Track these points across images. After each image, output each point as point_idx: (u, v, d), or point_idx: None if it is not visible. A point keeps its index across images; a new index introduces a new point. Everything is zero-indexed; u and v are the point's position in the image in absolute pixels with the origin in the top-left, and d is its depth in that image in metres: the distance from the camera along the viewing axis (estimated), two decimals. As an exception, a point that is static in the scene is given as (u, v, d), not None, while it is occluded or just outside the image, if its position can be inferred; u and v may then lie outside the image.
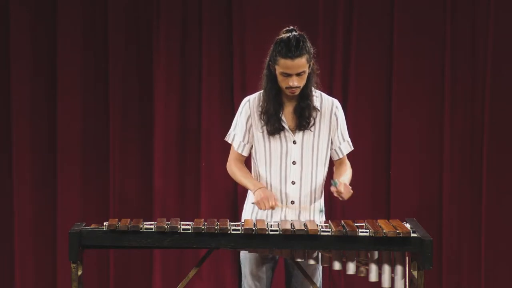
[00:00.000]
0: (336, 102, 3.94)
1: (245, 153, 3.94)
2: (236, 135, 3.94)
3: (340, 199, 3.85)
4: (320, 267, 3.98)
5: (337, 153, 3.95)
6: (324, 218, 3.96)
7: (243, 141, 3.92)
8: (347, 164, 4.01)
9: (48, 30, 5.21)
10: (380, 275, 3.61)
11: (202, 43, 5.22)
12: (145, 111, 5.26)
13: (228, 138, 3.97)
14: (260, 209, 3.81)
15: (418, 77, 5.25)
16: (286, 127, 3.85)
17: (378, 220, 3.69)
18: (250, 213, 3.96)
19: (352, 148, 3.99)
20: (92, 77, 5.25)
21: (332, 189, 3.81)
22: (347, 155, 4.00)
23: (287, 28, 3.82)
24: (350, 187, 3.84)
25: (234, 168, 3.96)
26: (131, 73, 5.25)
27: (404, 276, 3.60)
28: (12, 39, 5.19)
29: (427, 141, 5.28)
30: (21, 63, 5.21)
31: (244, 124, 3.90)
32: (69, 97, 5.23)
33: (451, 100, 5.24)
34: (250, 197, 3.97)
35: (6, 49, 5.20)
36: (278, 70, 3.76)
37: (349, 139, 3.98)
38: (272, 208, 3.78)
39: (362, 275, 3.66)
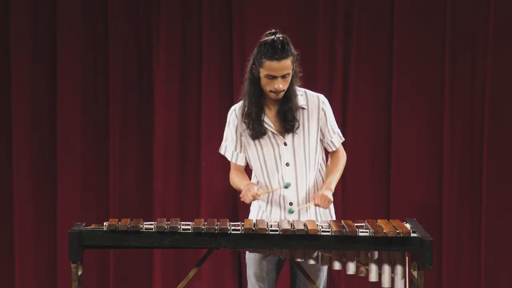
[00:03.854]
0: (322, 97, 3.92)
1: (240, 162, 3.95)
2: (227, 146, 3.96)
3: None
4: (325, 269, 3.98)
5: (329, 146, 3.94)
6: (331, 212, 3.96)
7: (235, 150, 3.94)
8: (339, 156, 3.97)
9: (48, 31, 5.20)
10: (380, 275, 3.61)
11: (202, 43, 5.22)
12: (145, 111, 5.25)
13: (221, 150, 4.00)
14: (246, 202, 3.82)
15: (419, 77, 5.25)
16: (273, 130, 3.84)
17: (378, 220, 3.69)
18: (255, 214, 3.97)
19: (343, 139, 3.97)
20: (92, 77, 5.25)
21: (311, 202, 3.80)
22: (342, 143, 3.99)
23: (270, 31, 3.79)
24: (329, 196, 3.78)
25: (233, 177, 3.98)
26: (131, 74, 5.25)
27: (404, 276, 3.60)
28: (12, 40, 5.19)
29: (427, 141, 5.28)
30: (21, 64, 5.20)
31: (234, 133, 3.92)
32: (70, 97, 5.22)
33: (451, 100, 5.24)
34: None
35: (6, 49, 5.20)
36: (263, 72, 3.73)
37: (339, 131, 3.96)
38: (254, 198, 3.78)
39: (362, 275, 3.66)
